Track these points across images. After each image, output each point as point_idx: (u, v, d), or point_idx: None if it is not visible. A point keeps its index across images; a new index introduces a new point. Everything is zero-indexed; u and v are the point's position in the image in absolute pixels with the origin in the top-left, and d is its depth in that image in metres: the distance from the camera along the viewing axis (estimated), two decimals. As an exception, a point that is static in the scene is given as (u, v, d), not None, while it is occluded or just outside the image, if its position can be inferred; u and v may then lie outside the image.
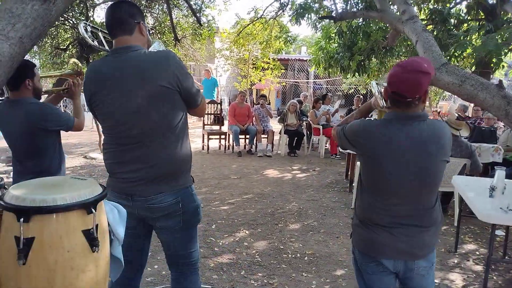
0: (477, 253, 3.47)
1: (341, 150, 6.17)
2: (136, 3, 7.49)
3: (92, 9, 7.38)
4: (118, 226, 1.47)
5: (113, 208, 1.48)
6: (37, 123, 2.27)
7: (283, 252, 3.36)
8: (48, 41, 7.83)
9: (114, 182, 1.74)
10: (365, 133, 1.64)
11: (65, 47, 7.88)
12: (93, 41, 2.14)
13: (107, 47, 2.06)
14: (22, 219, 1.21)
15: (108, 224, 1.43)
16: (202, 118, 8.15)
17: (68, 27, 7.52)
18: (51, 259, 1.24)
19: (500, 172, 2.48)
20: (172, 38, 7.31)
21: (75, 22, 7.26)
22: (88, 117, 5.76)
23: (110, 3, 7.59)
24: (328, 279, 2.94)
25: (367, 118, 1.88)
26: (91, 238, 1.30)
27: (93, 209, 1.31)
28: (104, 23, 1.73)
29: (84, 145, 8.56)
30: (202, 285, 2.19)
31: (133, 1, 7.18)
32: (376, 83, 1.84)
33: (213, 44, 12.96)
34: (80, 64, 2.66)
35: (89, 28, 2.14)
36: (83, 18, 6.97)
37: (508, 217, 2.22)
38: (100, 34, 2.11)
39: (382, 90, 1.75)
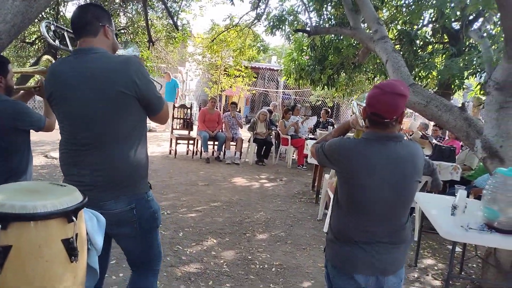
0: (436, 268, 3.63)
1: (308, 161, 6.27)
2: (110, 2, 7.37)
3: (63, 4, 7.17)
4: (97, 235, 1.45)
5: (92, 217, 1.46)
6: (8, 121, 2.19)
7: (251, 263, 3.37)
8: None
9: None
10: (344, 151, 1.71)
11: (31, 41, 7.60)
12: (54, 41, 2.10)
13: (70, 47, 2.03)
14: (-1, 226, 1.17)
15: (87, 233, 1.40)
16: (171, 122, 8.05)
17: (36, 20, 7.26)
18: (28, 268, 1.20)
19: (461, 192, 2.62)
20: (146, 40, 7.22)
21: (44, 16, 7.02)
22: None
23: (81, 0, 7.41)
24: (295, 290, 2.98)
25: (345, 137, 1.95)
26: (71, 248, 1.27)
27: (74, 218, 1.28)
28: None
29: (45, 143, 8.21)
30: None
31: (107, 0, 7.06)
32: (357, 103, 1.92)
33: (186, 48, 12.88)
34: (54, 61, 2.59)
35: (52, 27, 2.10)
36: (53, 13, 6.76)
37: (468, 235, 2.35)
38: (65, 34, 2.07)
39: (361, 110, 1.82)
